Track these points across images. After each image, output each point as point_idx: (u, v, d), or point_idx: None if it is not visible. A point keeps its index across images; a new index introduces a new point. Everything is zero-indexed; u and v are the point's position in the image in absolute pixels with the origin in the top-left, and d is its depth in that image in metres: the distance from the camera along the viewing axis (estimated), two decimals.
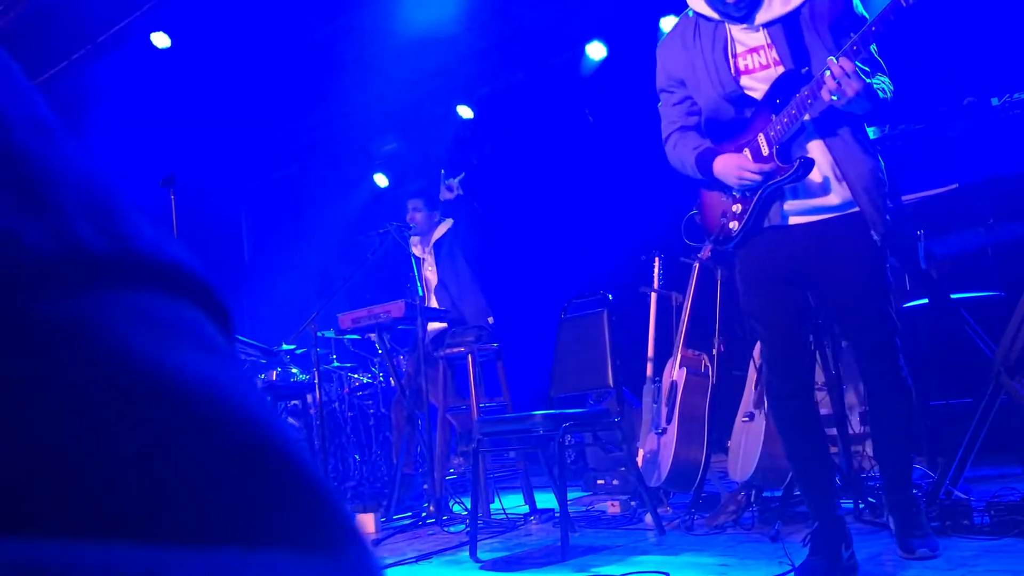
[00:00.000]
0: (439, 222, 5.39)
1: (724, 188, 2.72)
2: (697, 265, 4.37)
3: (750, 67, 2.63)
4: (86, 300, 0.21)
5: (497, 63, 7.33)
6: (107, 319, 0.21)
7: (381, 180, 8.61)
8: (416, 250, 5.39)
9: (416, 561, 3.63)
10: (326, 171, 8.71)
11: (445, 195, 5.26)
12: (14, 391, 0.19)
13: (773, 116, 2.58)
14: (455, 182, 5.24)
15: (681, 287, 4.51)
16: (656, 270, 4.79)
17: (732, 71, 2.63)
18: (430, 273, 5.40)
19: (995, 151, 3.76)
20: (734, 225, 2.69)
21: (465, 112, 7.76)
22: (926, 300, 3.63)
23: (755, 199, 2.63)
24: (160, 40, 6.74)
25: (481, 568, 3.45)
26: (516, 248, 7.32)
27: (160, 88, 7.08)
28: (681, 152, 2.77)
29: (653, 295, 4.75)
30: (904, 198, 3.64)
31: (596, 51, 6.91)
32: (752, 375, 3.78)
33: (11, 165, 0.22)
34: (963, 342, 3.38)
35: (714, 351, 4.27)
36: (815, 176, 2.58)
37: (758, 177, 2.57)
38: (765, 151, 2.61)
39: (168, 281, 0.24)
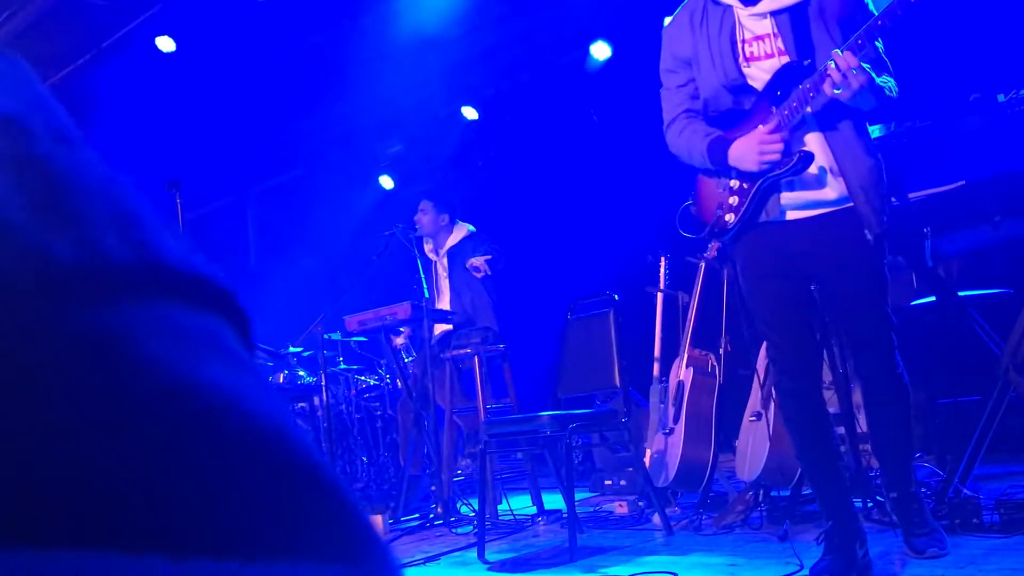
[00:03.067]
0: (447, 226, 5.35)
1: (722, 179, 2.67)
2: (703, 264, 4.37)
3: (755, 54, 2.57)
4: (111, 312, 0.21)
5: (502, 64, 7.33)
6: (132, 331, 0.21)
7: (387, 182, 8.62)
8: (427, 247, 5.37)
9: (424, 563, 3.63)
10: (331, 173, 8.72)
11: (475, 275, 5.18)
12: (40, 404, 0.19)
13: (773, 108, 2.54)
14: (481, 263, 5.11)
15: (687, 287, 4.51)
16: (662, 270, 4.78)
17: (736, 58, 2.58)
18: (443, 278, 5.36)
19: (1002, 147, 3.75)
20: (730, 218, 2.64)
21: (470, 113, 7.76)
22: (933, 298, 3.62)
23: (752, 192, 2.58)
24: (165, 44, 6.76)
25: (489, 569, 3.45)
26: (522, 249, 7.31)
27: (165, 92, 7.09)
28: (689, 138, 2.68)
29: (659, 295, 4.74)
30: (910, 195, 3.63)
31: (601, 51, 6.90)
32: (759, 374, 3.77)
33: (36, 175, 0.22)
34: (971, 340, 3.37)
35: (721, 350, 4.26)
36: (813, 170, 2.53)
37: (781, 145, 2.49)
38: None
39: (191, 291, 0.24)
